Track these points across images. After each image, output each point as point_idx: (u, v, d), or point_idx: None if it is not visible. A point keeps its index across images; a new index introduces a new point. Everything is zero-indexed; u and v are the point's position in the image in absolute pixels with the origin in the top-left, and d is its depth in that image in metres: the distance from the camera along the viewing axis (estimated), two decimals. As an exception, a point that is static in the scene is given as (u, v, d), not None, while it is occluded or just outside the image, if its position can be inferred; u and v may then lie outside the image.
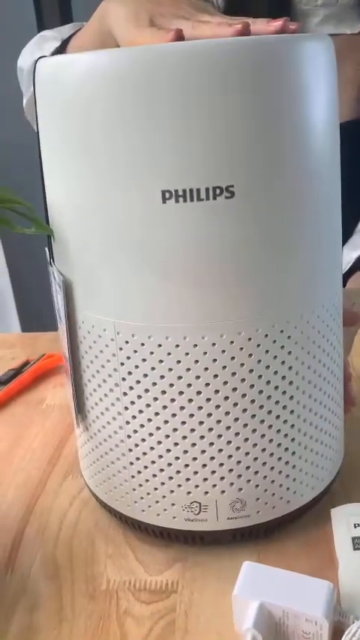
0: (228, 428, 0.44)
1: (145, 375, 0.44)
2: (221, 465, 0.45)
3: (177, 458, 0.45)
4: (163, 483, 0.47)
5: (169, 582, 0.47)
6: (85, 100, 0.40)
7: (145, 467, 0.47)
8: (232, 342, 0.42)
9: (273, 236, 0.42)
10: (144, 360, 0.44)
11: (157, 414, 0.45)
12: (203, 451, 0.45)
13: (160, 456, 0.46)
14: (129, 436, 0.46)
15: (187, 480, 0.46)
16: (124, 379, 0.45)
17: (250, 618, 0.40)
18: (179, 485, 0.46)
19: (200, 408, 0.44)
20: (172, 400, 0.44)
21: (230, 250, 0.41)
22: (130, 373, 0.44)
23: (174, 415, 0.44)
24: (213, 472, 0.46)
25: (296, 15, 0.80)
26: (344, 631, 0.40)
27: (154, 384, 0.44)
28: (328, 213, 0.45)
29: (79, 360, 0.48)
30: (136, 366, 0.44)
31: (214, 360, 0.43)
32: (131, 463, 0.47)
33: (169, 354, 0.43)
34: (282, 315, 0.43)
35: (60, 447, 0.64)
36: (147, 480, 0.47)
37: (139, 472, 0.47)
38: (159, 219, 0.40)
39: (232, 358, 0.43)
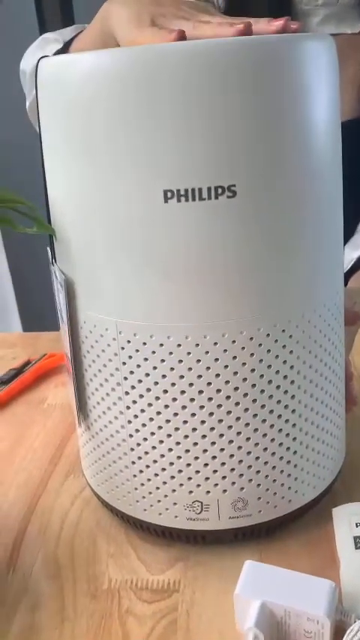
0: (230, 427, 0.44)
1: (147, 375, 0.44)
2: (223, 464, 0.45)
3: (179, 457, 0.45)
4: (164, 482, 0.47)
5: (170, 581, 0.47)
6: (86, 99, 0.40)
7: (147, 466, 0.47)
8: (233, 342, 0.42)
9: (274, 235, 0.42)
10: (146, 359, 0.44)
11: (158, 413, 0.45)
12: (205, 450, 0.45)
13: (162, 455, 0.46)
14: (131, 435, 0.46)
15: (189, 479, 0.46)
16: (125, 378, 0.45)
17: (252, 617, 0.40)
18: (181, 485, 0.46)
19: (202, 407, 0.44)
20: (174, 399, 0.44)
21: (232, 250, 0.41)
22: (131, 372, 0.44)
23: (176, 414, 0.44)
24: (215, 471, 0.46)
25: (297, 15, 0.80)
26: (346, 630, 0.40)
27: (156, 383, 0.44)
28: (329, 212, 0.45)
29: (80, 359, 0.48)
30: (138, 366, 0.44)
31: (216, 360, 0.43)
32: (133, 462, 0.47)
33: (170, 353, 0.43)
34: (284, 315, 0.43)
35: (61, 446, 0.64)
36: (149, 479, 0.47)
37: (141, 471, 0.47)
38: (161, 219, 0.40)
39: (234, 357, 0.43)
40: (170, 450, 0.45)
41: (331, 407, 0.49)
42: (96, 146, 0.41)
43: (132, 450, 0.47)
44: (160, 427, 0.45)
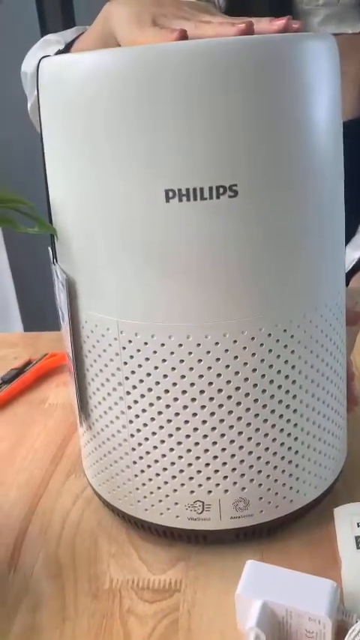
0: (231, 427, 0.44)
1: (149, 374, 0.44)
2: (224, 464, 0.45)
3: (180, 457, 0.45)
4: (166, 482, 0.47)
5: (172, 581, 0.47)
6: (87, 99, 0.40)
7: (149, 466, 0.47)
8: (235, 341, 0.42)
9: (276, 235, 0.42)
10: (147, 359, 0.44)
11: (160, 412, 0.45)
12: (206, 450, 0.45)
13: (164, 455, 0.46)
14: (132, 435, 0.46)
15: (191, 479, 0.46)
16: (127, 378, 0.45)
17: (253, 617, 0.40)
18: (182, 484, 0.46)
19: (203, 407, 0.44)
20: (175, 399, 0.44)
21: (233, 249, 0.41)
22: (133, 372, 0.44)
23: (177, 414, 0.44)
24: (216, 471, 0.46)
25: (298, 15, 0.80)
26: (347, 630, 0.40)
27: (157, 383, 0.44)
28: (330, 212, 0.45)
29: (82, 359, 0.48)
30: (139, 365, 0.44)
31: (218, 359, 0.43)
32: (134, 462, 0.47)
33: (172, 353, 0.43)
34: (285, 314, 0.43)
35: (62, 446, 0.64)
36: (150, 479, 0.47)
37: (142, 471, 0.47)
38: (162, 219, 0.40)
39: (236, 357, 0.43)
40: (171, 449, 0.45)
41: (332, 407, 0.49)
42: (97, 146, 0.41)
43: (133, 449, 0.47)
44: (161, 427, 0.45)
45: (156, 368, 0.44)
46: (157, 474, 0.47)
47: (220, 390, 0.43)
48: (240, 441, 0.45)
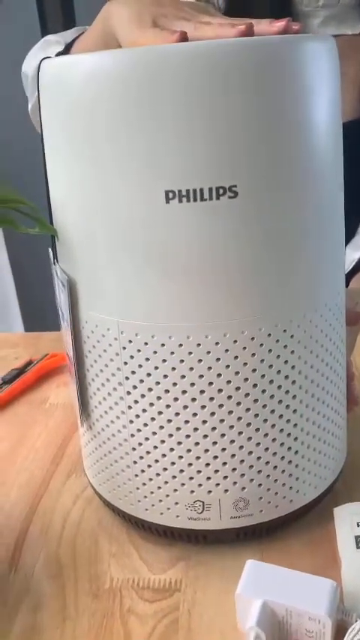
0: (231, 427, 0.44)
1: (149, 374, 0.44)
2: (224, 463, 0.46)
3: (180, 457, 0.46)
4: (166, 482, 0.47)
5: (172, 581, 0.47)
6: (88, 100, 0.40)
7: (149, 465, 0.47)
8: (235, 342, 0.43)
9: (276, 236, 0.42)
10: (147, 359, 0.44)
11: (160, 412, 0.45)
12: (206, 450, 0.45)
13: (164, 455, 0.46)
14: (132, 435, 0.47)
15: (191, 478, 0.46)
16: (127, 378, 0.45)
17: (254, 617, 0.40)
18: (182, 484, 0.46)
19: (203, 407, 0.44)
20: (176, 399, 0.44)
21: (233, 250, 0.41)
22: (133, 372, 0.45)
23: (177, 414, 0.44)
24: (216, 471, 0.46)
25: (297, 16, 0.80)
26: (347, 629, 0.40)
27: (158, 383, 0.44)
28: (330, 213, 0.45)
29: (82, 359, 0.48)
30: (140, 365, 0.44)
31: (218, 359, 0.43)
32: (135, 462, 0.47)
33: (172, 353, 0.43)
34: (285, 315, 0.43)
35: (63, 446, 0.64)
36: (150, 479, 0.47)
37: (143, 471, 0.47)
38: (162, 219, 0.40)
39: (236, 357, 0.43)
40: (172, 449, 0.46)
41: (332, 407, 0.49)
42: (98, 147, 0.41)
43: (134, 449, 0.47)
44: (161, 427, 0.45)
45: (156, 368, 0.44)
46: (158, 474, 0.47)
47: (220, 390, 0.44)
48: (240, 440, 0.45)
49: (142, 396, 0.45)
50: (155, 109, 0.38)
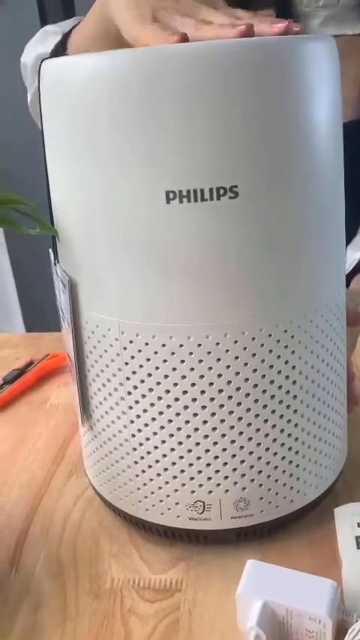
0: (232, 427, 0.45)
1: (149, 375, 0.44)
2: (225, 464, 0.46)
3: (181, 457, 0.46)
4: (167, 482, 0.47)
5: (173, 581, 0.47)
6: (89, 101, 0.40)
7: (150, 466, 0.47)
8: (235, 342, 0.43)
9: (276, 236, 0.42)
10: (148, 359, 0.44)
11: (161, 413, 0.45)
12: (207, 450, 0.45)
13: (164, 455, 0.46)
14: (133, 435, 0.47)
15: (191, 479, 0.46)
16: (128, 378, 0.45)
17: (254, 617, 0.40)
18: (183, 485, 0.46)
19: (204, 407, 0.44)
20: (176, 399, 0.44)
21: (234, 250, 0.41)
22: (134, 373, 0.45)
23: (178, 414, 0.44)
24: (217, 471, 0.46)
25: (297, 17, 0.79)
26: (347, 629, 0.40)
27: (158, 383, 0.44)
28: (331, 213, 0.45)
29: (83, 359, 0.48)
30: (140, 366, 0.44)
31: (218, 360, 0.43)
32: (135, 462, 0.47)
33: (173, 353, 0.43)
34: (286, 315, 0.43)
35: (64, 446, 0.64)
36: (151, 479, 0.47)
37: (144, 471, 0.47)
38: (163, 220, 0.40)
39: (236, 358, 0.43)
40: (172, 449, 0.46)
41: (332, 407, 0.49)
42: (99, 148, 0.41)
43: (134, 449, 0.47)
44: (162, 427, 0.45)
45: (157, 368, 0.44)
46: (158, 474, 0.47)
47: (220, 391, 0.44)
48: (240, 441, 0.45)
49: (143, 396, 0.45)
50: (156, 109, 0.38)
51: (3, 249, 1.91)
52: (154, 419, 0.45)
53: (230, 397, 0.44)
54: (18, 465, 0.62)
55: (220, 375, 0.43)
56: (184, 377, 0.43)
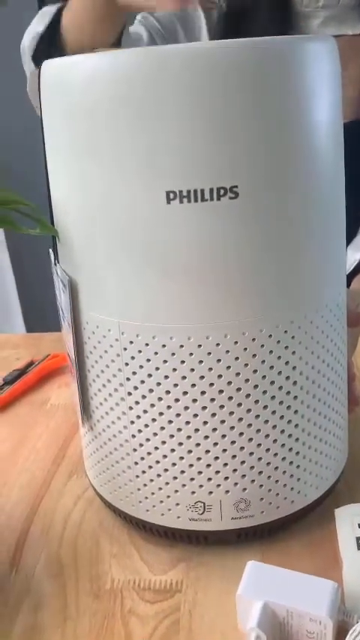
0: (232, 428, 0.44)
1: (150, 375, 0.44)
2: (225, 464, 0.45)
3: (181, 458, 0.46)
4: (167, 483, 0.47)
5: (173, 582, 0.47)
6: (89, 101, 0.40)
7: (150, 466, 0.47)
8: (236, 343, 0.43)
9: (276, 236, 0.42)
10: (148, 360, 0.44)
11: (161, 414, 0.45)
12: (207, 451, 0.45)
13: (165, 456, 0.46)
14: (133, 436, 0.47)
15: (192, 479, 0.46)
16: (128, 379, 0.45)
17: (254, 618, 0.40)
18: (183, 485, 0.46)
19: (204, 408, 0.44)
20: (177, 400, 0.44)
21: (234, 251, 0.41)
22: (134, 373, 0.45)
23: (178, 415, 0.44)
24: (217, 472, 0.46)
25: (297, 17, 0.79)
26: (348, 630, 0.40)
27: (159, 384, 0.44)
28: (331, 213, 0.45)
29: (83, 360, 0.48)
30: (141, 367, 0.44)
31: (218, 361, 0.43)
32: (136, 463, 0.47)
33: (173, 354, 0.43)
34: (286, 316, 0.43)
35: (64, 447, 0.64)
36: (151, 480, 0.47)
37: (144, 472, 0.47)
38: (163, 220, 0.40)
39: (236, 358, 0.43)
40: (173, 450, 0.46)
41: (333, 408, 0.49)
42: (99, 147, 0.41)
43: (135, 450, 0.47)
44: (162, 428, 0.45)
45: (157, 369, 0.44)
46: (159, 475, 0.47)
47: (221, 391, 0.44)
48: (241, 442, 0.45)
49: (143, 397, 0.45)
50: (156, 109, 0.38)
51: (3, 249, 1.91)
52: (154, 420, 0.45)
53: (230, 398, 0.44)
54: (18, 466, 0.62)
55: (220, 376, 0.43)
56: (184, 377, 0.43)
